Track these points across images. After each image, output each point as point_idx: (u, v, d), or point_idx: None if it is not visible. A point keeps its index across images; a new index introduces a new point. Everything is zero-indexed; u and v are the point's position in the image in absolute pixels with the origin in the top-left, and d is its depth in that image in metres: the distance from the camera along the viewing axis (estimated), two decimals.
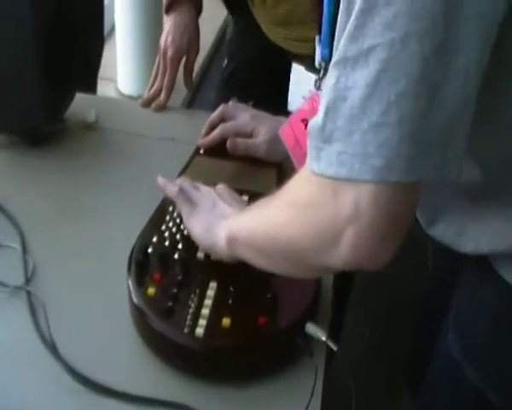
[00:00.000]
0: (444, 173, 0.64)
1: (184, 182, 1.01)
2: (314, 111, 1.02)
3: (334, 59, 0.65)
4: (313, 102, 1.02)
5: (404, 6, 0.59)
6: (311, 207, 0.69)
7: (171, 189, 0.99)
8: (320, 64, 1.01)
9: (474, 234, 0.85)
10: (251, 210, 0.87)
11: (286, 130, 1.07)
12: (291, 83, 1.10)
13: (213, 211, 0.94)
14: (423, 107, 0.61)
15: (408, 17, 0.59)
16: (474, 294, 0.94)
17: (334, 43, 0.67)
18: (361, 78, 0.62)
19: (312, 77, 1.03)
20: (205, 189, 1.00)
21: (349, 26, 0.62)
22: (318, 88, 1.02)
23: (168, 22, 1.46)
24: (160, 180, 1.01)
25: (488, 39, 0.63)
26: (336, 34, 0.66)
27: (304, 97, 1.05)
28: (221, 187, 1.01)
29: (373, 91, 0.61)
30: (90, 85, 2.19)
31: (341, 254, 0.67)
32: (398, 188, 0.64)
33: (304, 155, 1.04)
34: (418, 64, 0.60)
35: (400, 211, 0.66)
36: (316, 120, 0.67)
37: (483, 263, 0.88)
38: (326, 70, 1.00)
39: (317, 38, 0.99)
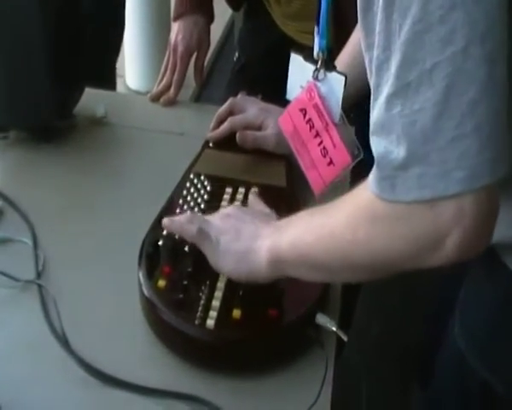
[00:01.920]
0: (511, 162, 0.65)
1: (195, 219, 0.92)
2: (311, 101, 1.02)
3: (389, 90, 0.64)
4: (311, 91, 1.02)
5: (461, 17, 0.59)
6: (401, 222, 0.68)
7: (190, 231, 0.90)
8: (318, 54, 1.01)
9: None
10: (296, 226, 0.83)
11: (284, 118, 1.08)
12: (289, 72, 1.10)
13: (239, 238, 0.88)
14: (497, 106, 0.62)
15: (466, 26, 0.59)
16: (480, 285, 0.94)
17: (374, 73, 0.66)
18: (428, 98, 0.62)
19: (310, 67, 1.03)
20: (219, 219, 0.92)
21: (403, 53, 0.62)
22: (316, 78, 1.02)
23: (177, 25, 1.47)
24: (172, 223, 0.93)
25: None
26: (374, 63, 0.66)
27: (302, 87, 1.05)
28: (234, 209, 0.95)
29: (444, 108, 0.61)
30: (109, 74, 2.21)
31: (444, 256, 0.68)
32: (490, 187, 0.64)
33: (302, 144, 1.05)
34: (484, 67, 0.60)
35: (495, 204, 0.67)
36: (384, 151, 0.66)
37: (490, 255, 0.87)
38: (323, 61, 1.01)
39: (315, 28, 0.99)
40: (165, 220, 0.93)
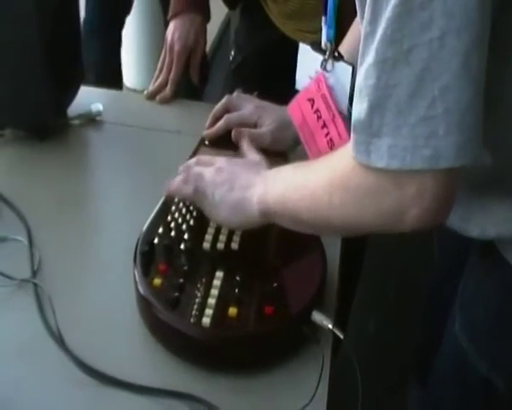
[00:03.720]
0: (479, 154, 0.68)
1: (190, 178, 0.97)
2: (319, 91, 1.03)
3: (369, 60, 0.67)
4: (319, 82, 1.03)
5: (439, 7, 0.62)
6: (371, 196, 0.73)
7: (187, 192, 0.96)
8: (326, 45, 1.01)
9: (479, 220, 0.85)
10: (282, 181, 0.88)
11: (293, 108, 1.09)
12: (298, 62, 1.11)
13: (233, 189, 0.92)
14: (469, 95, 0.64)
15: (443, 17, 0.62)
16: (481, 281, 0.94)
17: (362, 44, 0.69)
18: (403, 76, 0.65)
19: (319, 57, 1.03)
20: (213, 172, 0.95)
21: (384, 29, 0.65)
22: (324, 68, 1.03)
23: (173, 23, 1.47)
24: (170, 187, 0.98)
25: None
26: (363, 34, 0.69)
27: (310, 77, 1.06)
28: (225, 162, 0.97)
29: (417, 88, 0.65)
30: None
31: (406, 227, 0.72)
32: (452, 169, 0.68)
33: (311, 134, 1.05)
34: (459, 58, 0.63)
35: (456, 183, 0.71)
36: (359, 117, 0.70)
37: (490, 249, 0.87)
38: (331, 50, 1.01)
39: (323, 18, 0.99)
40: (165, 189, 0.99)
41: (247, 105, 1.22)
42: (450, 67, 0.63)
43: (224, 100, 1.24)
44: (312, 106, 1.04)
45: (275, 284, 0.90)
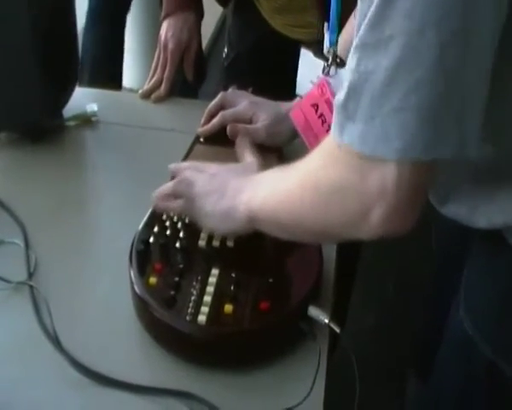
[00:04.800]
0: (462, 151, 0.67)
1: (179, 187, 0.96)
2: (323, 96, 1.03)
3: (354, 43, 0.68)
4: (322, 87, 1.04)
5: None
6: (337, 192, 0.74)
7: (177, 208, 0.97)
8: (329, 51, 1.01)
9: (486, 211, 0.85)
10: (268, 184, 0.88)
11: (296, 114, 1.10)
12: (300, 66, 1.11)
13: (223, 197, 0.91)
14: (441, 92, 0.64)
15: (424, 7, 0.62)
16: (486, 267, 0.94)
17: (355, 27, 0.69)
18: (381, 63, 0.65)
19: (320, 62, 1.03)
20: (206, 179, 0.95)
21: (370, 14, 0.65)
22: (327, 74, 1.03)
23: (166, 22, 1.47)
24: (158, 204, 0.98)
25: (501, 18, 0.65)
26: (357, 19, 0.69)
27: (312, 82, 1.06)
28: (220, 169, 0.98)
29: (392, 78, 0.65)
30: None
31: (371, 229, 0.72)
32: (420, 165, 0.68)
33: (315, 138, 1.05)
34: (435, 52, 0.63)
35: (423, 183, 0.71)
36: (338, 97, 0.70)
37: (496, 236, 0.87)
38: (334, 56, 1.01)
39: (325, 24, 0.99)
40: (154, 203, 0.98)
41: (242, 101, 1.22)
42: (425, 60, 0.63)
43: (218, 97, 1.24)
44: (316, 111, 1.05)
45: (270, 280, 0.89)
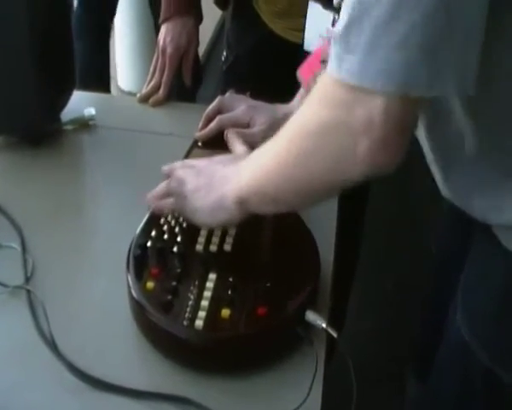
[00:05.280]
0: (463, 86, 0.69)
1: (174, 171, 0.98)
2: None
3: None
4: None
5: None
6: (325, 131, 0.74)
7: (168, 206, 0.97)
8: (339, 1, 0.99)
9: (480, 205, 0.88)
10: (252, 162, 0.88)
11: (304, 71, 1.08)
12: (307, 21, 1.09)
13: (211, 189, 0.92)
14: (445, 30, 0.65)
15: None
16: (484, 272, 0.94)
17: None
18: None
19: (329, 15, 1.01)
20: (193, 176, 0.95)
21: None
22: None
23: (165, 26, 1.47)
24: (152, 205, 0.99)
25: None
26: None
27: (321, 36, 1.04)
28: (205, 163, 0.98)
29: (396, 13, 0.65)
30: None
31: (357, 164, 0.73)
32: (407, 100, 0.69)
33: None
34: None
35: (408, 118, 0.72)
36: (338, 30, 0.70)
37: (492, 240, 0.87)
38: None
39: None
40: (148, 203, 0.99)
41: (240, 105, 1.22)
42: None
43: (216, 101, 1.24)
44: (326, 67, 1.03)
45: (268, 284, 0.89)
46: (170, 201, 0.96)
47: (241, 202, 0.87)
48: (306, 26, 1.09)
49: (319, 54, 1.04)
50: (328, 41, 1.02)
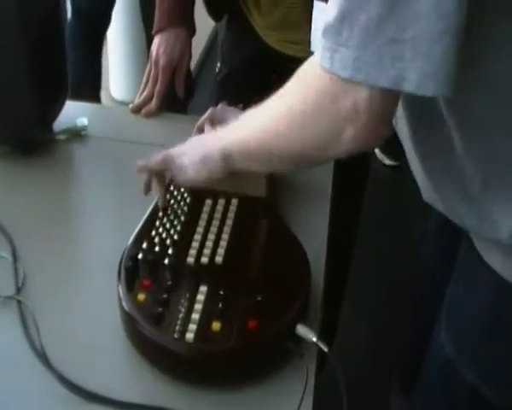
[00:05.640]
0: (446, 86, 0.69)
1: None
2: None
3: None
4: None
5: None
6: (311, 116, 0.77)
7: (156, 161, 1.03)
8: None
9: (458, 211, 0.88)
10: (240, 123, 0.92)
11: None
12: (313, 21, 1.09)
13: (197, 148, 0.97)
14: (438, 27, 0.66)
15: None
16: (468, 291, 0.94)
17: None
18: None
19: None
20: (179, 146, 1.02)
21: None
22: None
23: (158, 37, 1.47)
24: (139, 165, 1.05)
25: None
26: None
27: None
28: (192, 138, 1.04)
29: (390, 11, 0.66)
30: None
31: (342, 147, 0.77)
32: (389, 93, 0.71)
33: None
34: None
35: (389, 109, 0.75)
36: (329, 22, 0.71)
37: (476, 256, 0.88)
38: None
39: None
40: (137, 168, 1.06)
41: (232, 117, 1.22)
42: None
43: (208, 112, 1.24)
44: None
45: (258, 298, 0.89)
46: (157, 157, 1.02)
47: (227, 157, 0.91)
48: (312, 27, 1.09)
49: None
50: None
